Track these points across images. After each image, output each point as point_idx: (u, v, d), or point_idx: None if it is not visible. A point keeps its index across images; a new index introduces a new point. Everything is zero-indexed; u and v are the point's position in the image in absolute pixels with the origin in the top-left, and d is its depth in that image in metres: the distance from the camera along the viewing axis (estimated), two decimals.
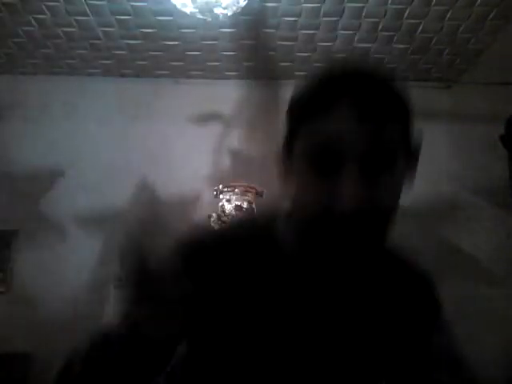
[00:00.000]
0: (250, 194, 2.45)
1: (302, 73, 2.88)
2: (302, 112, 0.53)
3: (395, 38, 2.53)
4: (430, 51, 2.64)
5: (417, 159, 0.58)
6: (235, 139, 2.88)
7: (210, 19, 1.87)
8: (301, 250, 0.56)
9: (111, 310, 2.59)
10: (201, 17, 1.83)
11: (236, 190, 2.44)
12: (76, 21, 2.41)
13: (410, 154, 0.56)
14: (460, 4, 2.23)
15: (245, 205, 2.41)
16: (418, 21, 2.37)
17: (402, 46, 2.60)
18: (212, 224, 2.44)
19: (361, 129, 0.48)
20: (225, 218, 2.37)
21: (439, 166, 2.83)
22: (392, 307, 0.60)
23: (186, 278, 0.50)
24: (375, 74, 0.53)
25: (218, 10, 1.79)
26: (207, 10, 1.79)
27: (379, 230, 0.51)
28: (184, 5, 1.81)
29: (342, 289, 0.56)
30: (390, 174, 0.51)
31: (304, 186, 0.52)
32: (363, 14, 2.32)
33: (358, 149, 0.48)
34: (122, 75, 2.96)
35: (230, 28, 2.46)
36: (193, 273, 0.52)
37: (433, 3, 2.23)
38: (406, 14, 2.32)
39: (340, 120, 0.49)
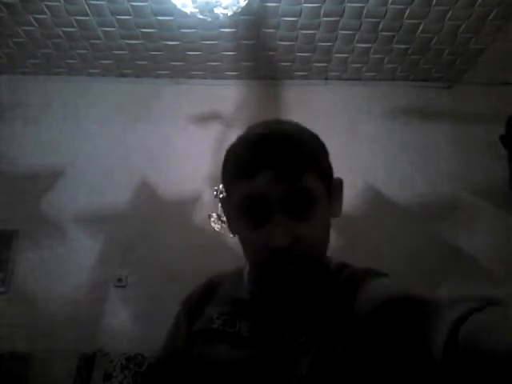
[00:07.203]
0: None
1: (302, 73, 2.88)
2: (231, 176, 0.64)
3: (395, 38, 2.53)
4: (430, 51, 2.64)
5: (340, 189, 0.68)
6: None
7: (209, 19, 1.87)
8: (258, 287, 0.68)
9: (111, 310, 2.59)
10: (201, 17, 1.83)
11: None
12: (76, 21, 2.41)
13: (329, 187, 0.65)
14: (460, 4, 2.23)
15: None
16: (417, 21, 2.38)
17: (402, 46, 2.60)
18: (212, 224, 2.44)
19: (278, 187, 0.59)
20: (225, 218, 2.36)
21: (439, 165, 2.83)
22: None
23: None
24: (288, 136, 0.62)
25: (218, 10, 1.79)
26: (207, 9, 1.79)
27: (309, 258, 0.62)
28: (184, 5, 1.81)
29: (291, 310, 0.64)
30: (312, 213, 0.61)
31: (245, 238, 0.65)
32: (363, 14, 2.32)
33: (278, 203, 0.59)
34: (122, 75, 2.96)
35: (229, 28, 2.46)
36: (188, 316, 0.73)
37: (433, 3, 2.23)
38: (406, 14, 2.32)
39: (260, 183, 0.59)
